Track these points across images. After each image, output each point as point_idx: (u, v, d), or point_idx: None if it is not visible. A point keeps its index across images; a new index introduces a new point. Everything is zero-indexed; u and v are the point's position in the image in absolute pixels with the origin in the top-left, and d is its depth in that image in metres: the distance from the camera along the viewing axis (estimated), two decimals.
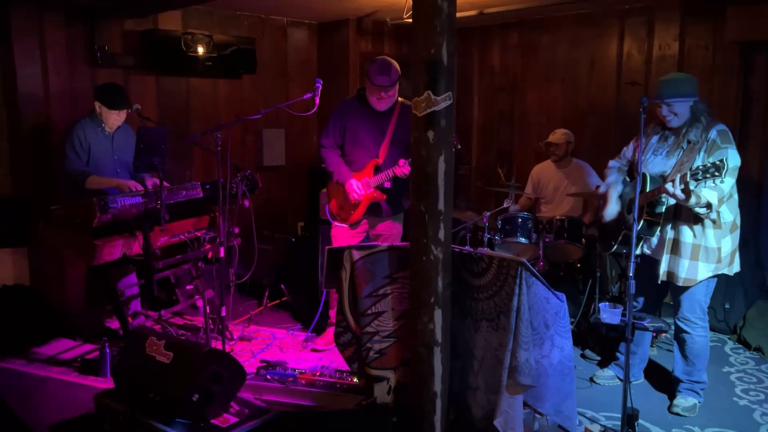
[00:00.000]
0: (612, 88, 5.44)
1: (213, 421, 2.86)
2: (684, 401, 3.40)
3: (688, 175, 2.90)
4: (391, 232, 4.15)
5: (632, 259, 2.82)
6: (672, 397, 3.48)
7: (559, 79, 5.80)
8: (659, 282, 3.34)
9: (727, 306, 4.48)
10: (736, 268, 3.33)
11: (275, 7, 5.49)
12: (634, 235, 2.87)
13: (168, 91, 5.25)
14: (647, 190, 3.20)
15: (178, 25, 5.16)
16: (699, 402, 3.43)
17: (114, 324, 4.30)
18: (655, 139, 3.38)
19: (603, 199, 3.55)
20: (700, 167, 2.87)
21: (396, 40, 6.30)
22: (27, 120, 4.45)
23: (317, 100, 3.98)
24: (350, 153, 4.08)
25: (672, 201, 3.16)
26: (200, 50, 5.09)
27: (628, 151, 3.58)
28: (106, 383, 3.50)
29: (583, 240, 4.29)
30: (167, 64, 5.03)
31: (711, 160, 3.00)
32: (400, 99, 4.09)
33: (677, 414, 3.36)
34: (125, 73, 4.93)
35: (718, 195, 3.05)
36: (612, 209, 3.46)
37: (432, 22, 2.50)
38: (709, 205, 3.04)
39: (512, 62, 6.17)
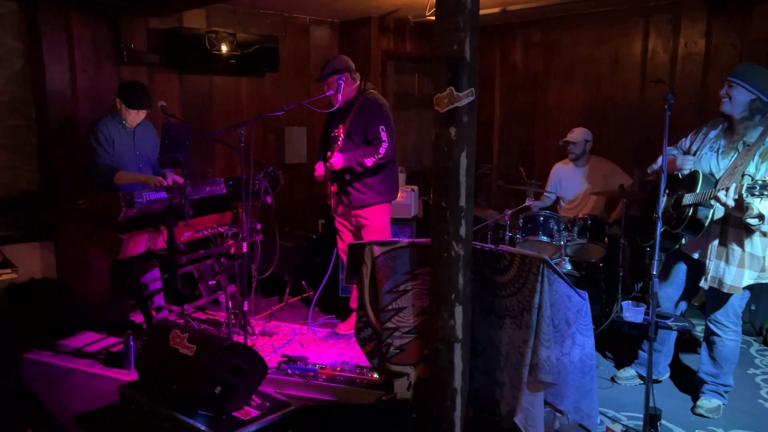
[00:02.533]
0: (635, 86, 5.38)
1: (234, 413, 2.88)
2: (708, 402, 3.35)
3: (744, 188, 2.76)
4: (372, 222, 4.21)
5: (655, 257, 2.79)
6: (695, 397, 3.44)
7: (581, 78, 5.76)
8: (706, 288, 3.22)
9: (753, 308, 4.41)
10: None
11: (298, 6, 5.52)
12: (658, 233, 2.84)
13: (191, 88, 5.30)
14: (698, 190, 3.09)
15: (202, 23, 5.21)
16: (723, 404, 3.38)
17: (138, 318, 4.37)
18: (713, 133, 3.24)
19: (669, 164, 3.28)
20: (759, 182, 2.71)
21: (418, 39, 6.30)
22: (54, 116, 4.53)
23: (339, 97, 4.01)
24: (325, 148, 4.29)
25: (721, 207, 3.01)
26: (224, 48, 5.14)
27: (685, 142, 3.41)
28: (130, 375, 3.56)
29: (606, 239, 4.25)
30: (191, 62, 5.09)
31: (765, 166, 2.92)
32: (371, 91, 4.17)
33: (701, 415, 3.32)
34: (150, 70, 5.00)
35: None
36: (685, 161, 3.26)
37: (455, 18, 2.50)
38: (761, 217, 2.89)
39: (534, 60, 6.14)
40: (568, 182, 4.98)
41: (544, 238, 4.33)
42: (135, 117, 4.09)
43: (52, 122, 4.53)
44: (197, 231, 3.95)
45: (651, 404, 2.82)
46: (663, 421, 3.13)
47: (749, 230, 3.03)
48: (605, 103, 5.59)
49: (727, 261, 3.12)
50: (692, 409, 3.38)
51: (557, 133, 5.81)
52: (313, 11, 5.81)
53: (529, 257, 2.70)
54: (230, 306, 4.05)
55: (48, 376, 3.67)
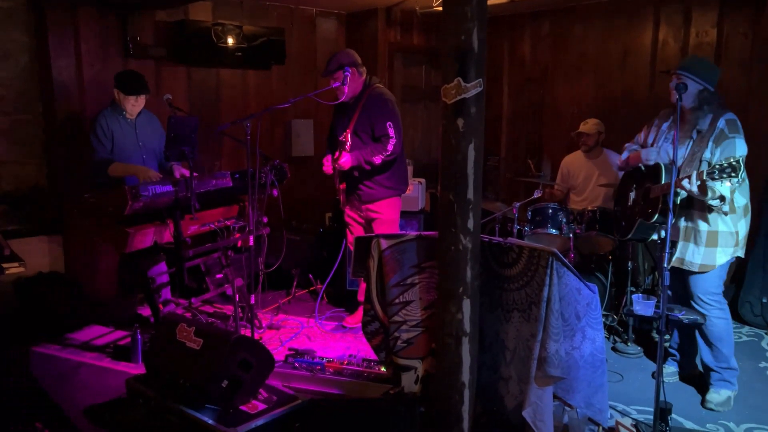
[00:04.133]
0: (646, 78, 5.32)
1: (242, 407, 2.88)
2: (717, 395, 3.33)
3: (705, 174, 2.92)
4: (383, 216, 4.20)
5: (666, 250, 2.76)
6: (705, 390, 3.41)
7: (591, 69, 5.70)
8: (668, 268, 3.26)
9: (765, 300, 4.36)
10: (743, 250, 3.32)
11: None
12: (669, 224, 2.81)
13: (198, 81, 5.29)
14: (662, 181, 3.23)
15: (208, 16, 5.19)
16: (733, 392, 3.36)
17: (145, 311, 4.38)
18: (666, 125, 3.41)
19: (633, 159, 3.51)
20: (717, 166, 2.88)
21: (425, 31, 6.25)
22: (61, 111, 4.53)
23: (346, 89, 3.99)
24: (333, 145, 4.28)
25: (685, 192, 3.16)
26: (230, 41, 5.12)
27: (640, 136, 3.59)
28: (137, 369, 3.56)
29: (615, 232, 4.21)
30: (198, 55, 5.07)
31: (719, 150, 3.10)
32: (378, 86, 4.12)
33: (711, 409, 3.29)
34: (157, 64, 4.98)
35: (731, 188, 3.04)
36: (650, 153, 3.39)
37: (463, 8, 2.46)
38: (722, 198, 3.06)
39: (543, 52, 6.08)
40: (578, 173, 4.93)
41: (553, 231, 4.29)
42: (134, 105, 4.09)
43: (58, 117, 4.53)
44: (204, 224, 3.94)
45: (661, 398, 2.79)
46: (674, 415, 3.10)
47: (713, 210, 3.18)
48: (615, 95, 5.53)
49: (695, 242, 3.25)
50: (702, 404, 3.35)
51: (566, 126, 5.76)
52: (319, 3, 5.77)
53: (538, 250, 2.67)
54: (237, 299, 4.05)
55: (56, 369, 3.68)
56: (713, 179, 2.90)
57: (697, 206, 3.24)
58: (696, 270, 3.26)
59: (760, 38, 4.62)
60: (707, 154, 3.15)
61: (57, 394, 3.36)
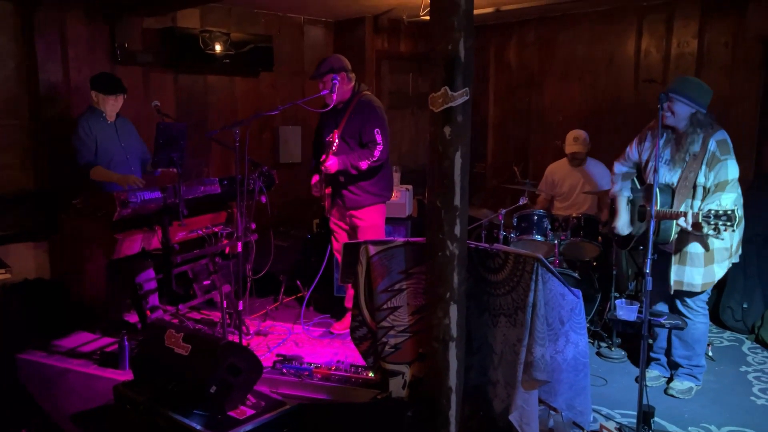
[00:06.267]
0: (630, 86, 5.41)
1: (230, 413, 2.88)
2: (680, 384, 3.51)
3: (700, 217, 2.99)
4: (367, 222, 4.22)
5: (649, 255, 2.82)
6: (670, 381, 3.59)
7: (576, 77, 5.78)
8: (671, 292, 3.40)
9: (745, 305, 4.44)
10: (738, 255, 3.42)
11: (292, 5, 5.52)
12: (651, 232, 2.86)
13: (186, 88, 5.30)
14: (658, 205, 3.25)
15: (196, 22, 5.21)
16: (696, 386, 3.53)
17: (132, 318, 4.36)
18: (659, 144, 3.37)
19: (612, 210, 3.67)
20: (713, 212, 2.96)
21: (412, 38, 6.31)
22: (48, 116, 4.52)
23: (334, 97, 4.02)
24: (318, 149, 4.29)
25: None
26: (218, 48, 5.14)
27: (632, 152, 3.58)
28: (124, 375, 3.55)
29: (600, 238, 4.27)
30: (185, 61, 5.08)
31: (713, 174, 3.17)
32: (366, 93, 4.15)
33: (672, 395, 3.47)
34: (144, 70, 4.99)
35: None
36: (623, 220, 3.58)
37: (449, 18, 2.51)
38: (717, 230, 3.09)
39: (529, 59, 6.15)
40: (563, 181, 4.99)
41: (538, 237, 4.34)
42: (113, 105, 4.11)
43: (46, 122, 4.52)
44: (192, 231, 3.95)
45: (644, 402, 2.84)
46: (657, 419, 3.15)
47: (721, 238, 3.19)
48: (600, 102, 5.62)
49: (693, 264, 3.31)
50: (665, 391, 3.52)
51: (552, 133, 5.84)
52: (307, 11, 5.81)
53: (524, 256, 2.71)
54: (225, 306, 4.06)
55: (43, 376, 3.66)
56: (708, 224, 2.97)
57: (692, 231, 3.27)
58: (699, 291, 3.34)
59: (740, 47, 4.72)
60: (701, 178, 3.20)
61: (44, 401, 3.35)
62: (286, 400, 3.07)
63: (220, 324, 4.04)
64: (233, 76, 5.54)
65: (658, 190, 3.27)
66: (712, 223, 2.96)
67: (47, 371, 3.73)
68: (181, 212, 3.62)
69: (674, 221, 3.22)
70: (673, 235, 3.30)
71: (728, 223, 2.92)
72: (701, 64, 4.91)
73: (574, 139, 4.87)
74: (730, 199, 3.14)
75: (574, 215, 4.36)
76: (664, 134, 3.33)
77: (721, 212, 2.94)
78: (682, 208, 3.19)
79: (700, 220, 3.00)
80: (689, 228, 3.10)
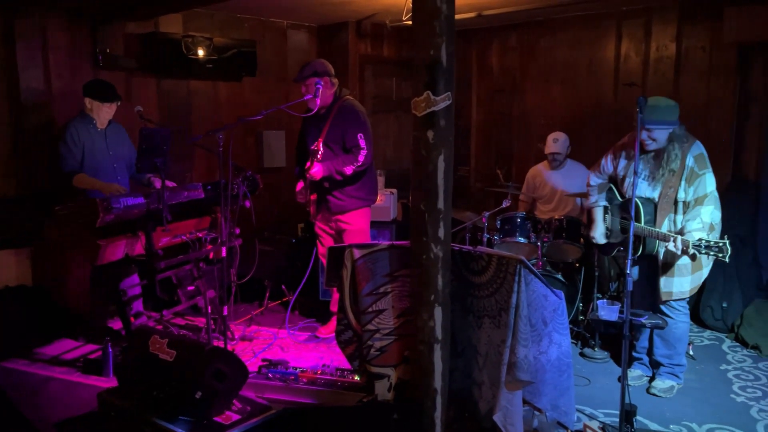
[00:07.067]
0: (610, 90, 5.48)
1: (216, 418, 2.88)
2: (662, 383, 3.57)
3: (690, 246, 3.04)
4: (353, 227, 4.24)
5: (629, 256, 2.86)
6: (653, 380, 3.65)
7: (558, 81, 5.85)
8: (661, 302, 3.48)
9: (724, 305, 4.51)
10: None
11: (275, 10, 5.53)
12: (631, 233, 2.90)
13: (169, 93, 5.28)
14: (642, 222, 3.36)
15: (178, 28, 5.19)
16: (678, 384, 3.59)
17: (116, 324, 4.33)
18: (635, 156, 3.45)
19: (589, 219, 3.75)
20: (704, 243, 3.02)
21: (395, 42, 6.34)
22: (30, 122, 4.48)
23: (317, 101, 4.03)
24: (302, 155, 4.32)
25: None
26: (201, 53, 5.13)
27: (607, 165, 3.66)
28: (109, 383, 3.53)
29: (582, 240, 4.32)
30: (168, 66, 5.06)
31: (692, 189, 3.27)
32: (348, 97, 4.17)
33: (654, 395, 3.53)
34: (127, 75, 4.97)
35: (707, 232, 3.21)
36: (600, 230, 3.67)
37: (431, 23, 2.54)
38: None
39: (511, 64, 6.21)
40: (545, 185, 5.04)
41: (521, 239, 4.39)
42: (106, 113, 4.09)
43: (27, 128, 4.48)
44: (176, 236, 3.94)
45: (627, 401, 2.88)
46: (638, 417, 3.19)
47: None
48: (582, 105, 5.68)
49: (681, 274, 3.40)
50: (647, 390, 3.58)
51: (535, 136, 5.90)
52: (290, 16, 5.82)
53: (506, 258, 2.74)
54: (210, 311, 4.04)
55: (25, 384, 3.63)
56: (699, 252, 3.03)
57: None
58: (688, 296, 3.44)
59: (716, 52, 4.80)
60: (681, 194, 3.30)
61: (27, 409, 3.31)
62: (272, 404, 3.07)
63: (205, 329, 4.02)
64: (216, 81, 5.53)
65: (640, 203, 3.39)
66: (703, 252, 3.02)
67: (30, 379, 3.69)
68: (164, 217, 3.61)
69: (657, 242, 3.33)
70: (658, 248, 3.40)
71: (720, 255, 2.99)
72: (679, 68, 4.99)
73: (554, 141, 4.93)
74: (709, 212, 3.24)
75: (556, 217, 4.41)
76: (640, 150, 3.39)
77: (712, 244, 3.00)
78: (665, 224, 3.31)
79: (690, 250, 3.04)
80: (679, 253, 3.14)
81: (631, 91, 5.25)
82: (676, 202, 3.33)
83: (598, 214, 3.68)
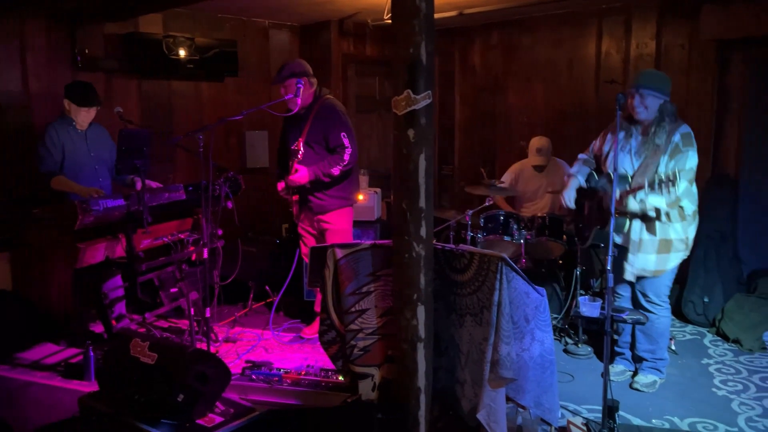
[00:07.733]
0: (591, 87, 5.51)
1: (198, 421, 2.86)
2: (644, 378, 3.60)
3: (645, 185, 3.14)
4: (335, 226, 4.23)
5: (609, 253, 2.88)
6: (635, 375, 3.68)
7: (540, 79, 5.87)
8: (633, 279, 3.50)
9: (706, 300, 4.55)
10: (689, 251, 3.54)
11: (257, 10, 5.50)
12: (612, 228, 2.92)
13: (150, 93, 5.24)
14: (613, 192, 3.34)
15: (159, 28, 5.15)
16: (660, 379, 3.62)
17: (98, 328, 4.28)
18: (621, 135, 3.47)
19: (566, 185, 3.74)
20: (656, 180, 3.10)
21: (378, 41, 6.34)
22: (7, 123, 4.43)
23: (299, 101, 4.02)
24: (283, 156, 4.31)
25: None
26: (182, 53, 5.09)
27: (595, 145, 3.71)
28: (90, 387, 3.49)
29: (565, 237, 4.35)
30: (149, 67, 5.02)
31: (673, 163, 3.24)
32: (328, 97, 4.17)
33: (637, 389, 3.56)
34: (107, 76, 4.92)
35: (666, 201, 3.25)
36: (570, 194, 3.64)
37: (411, 22, 2.54)
38: (657, 210, 3.29)
39: (493, 62, 6.23)
40: (528, 183, 5.07)
41: (505, 237, 4.40)
42: (85, 116, 4.05)
43: (4, 129, 4.42)
44: (157, 238, 3.90)
45: (609, 396, 2.89)
46: (621, 413, 3.21)
47: (661, 220, 3.35)
48: (564, 103, 5.71)
49: (646, 251, 3.41)
50: (630, 385, 3.61)
51: (518, 134, 5.92)
52: (272, 15, 5.79)
53: (488, 256, 2.75)
54: (192, 313, 4.01)
55: (5, 389, 3.58)
56: (652, 189, 3.10)
57: (646, 218, 3.39)
58: (650, 275, 3.45)
59: (695, 49, 4.85)
60: (662, 167, 3.28)
61: (7, 414, 3.26)
62: (256, 406, 3.06)
63: (188, 331, 3.99)
64: (198, 81, 5.50)
65: (616, 180, 3.38)
66: (656, 189, 3.09)
67: (10, 384, 3.64)
68: (145, 219, 3.58)
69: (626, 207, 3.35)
70: (627, 225, 3.42)
71: (670, 184, 3.04)
72: (659, 65, 5.03)
73: (537, 151, 4.96)
74: (682, 187, 3.21)
75: (539, 214, 4.43)
76: (632, 128, 3.43)
77: (663, 178, 3.06)
78: (631, 200, 3.32)
79: (639, 195, 3.16)
80: (636, 201, 3.20)
81: (613, 89, 5.28)
82: (653, 182, 3.24)
83: (573, 182, 3.67)
